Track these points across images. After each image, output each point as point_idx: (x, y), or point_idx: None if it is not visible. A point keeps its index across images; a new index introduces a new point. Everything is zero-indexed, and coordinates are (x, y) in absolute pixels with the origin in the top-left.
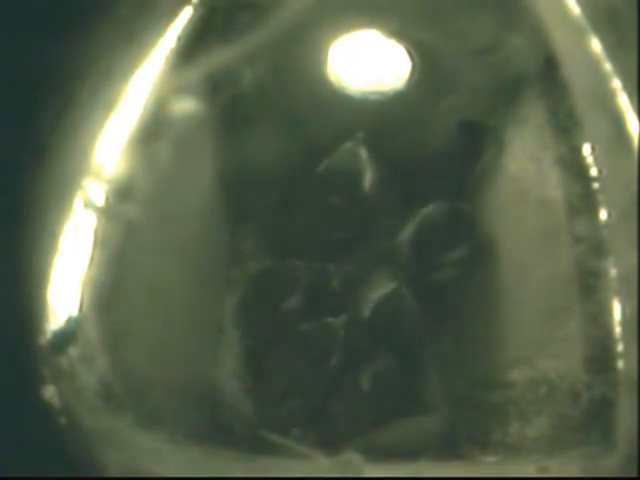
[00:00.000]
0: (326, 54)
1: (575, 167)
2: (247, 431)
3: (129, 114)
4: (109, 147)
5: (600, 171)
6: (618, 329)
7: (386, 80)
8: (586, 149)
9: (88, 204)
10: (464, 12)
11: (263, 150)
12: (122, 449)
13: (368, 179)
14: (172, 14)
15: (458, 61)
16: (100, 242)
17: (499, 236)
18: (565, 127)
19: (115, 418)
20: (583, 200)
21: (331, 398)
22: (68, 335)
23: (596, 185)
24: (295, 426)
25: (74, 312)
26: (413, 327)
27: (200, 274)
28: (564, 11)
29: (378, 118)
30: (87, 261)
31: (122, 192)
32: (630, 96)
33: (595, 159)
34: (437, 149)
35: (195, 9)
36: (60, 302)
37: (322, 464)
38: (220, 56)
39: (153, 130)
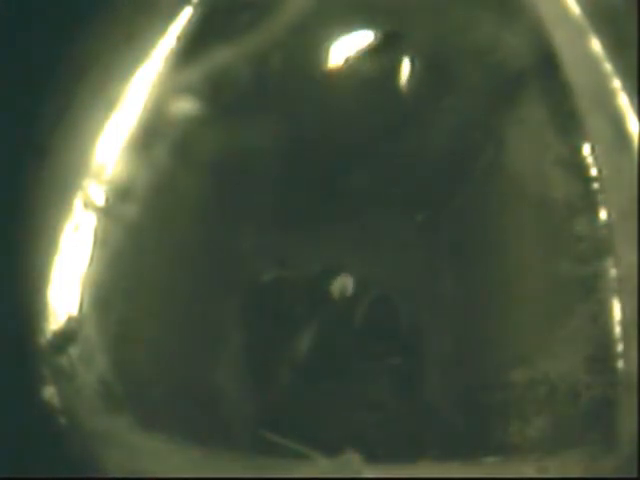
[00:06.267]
0: (326, 54)
1: (575, 167)
2: (247, 431)
3: (129, 114)
4: (109, 147)
5: (600, 171)
6: (618, 329)
7: (386, 80)
8: (586, 149)
9: (88, 204)
10: (464, 12)
11: (263, 150)
12: (122, 449)
13: (368, 179)
14: (172, 14)
15: (458, 61)
16: (100, 242)
17: (499, 236)
18: (565, 127)
19: (115, 418)
20: (583, 200)
21: (331, 398)
22: (68, 335)
23: (596, 185)
24: (295, 426)
25: (74, 312)
26: (414, 327)
27: (200, 274)
28: (564, 11)
29: (378, 118)
30: (87, 261)
31: (122, 192)
32: (630, 96)
33: (595, 159)
34: (437, 149)
35: (195, 9)
36: (60, 302)
37: (322, 464)
38: (220, 56)
39: (153, 130)
